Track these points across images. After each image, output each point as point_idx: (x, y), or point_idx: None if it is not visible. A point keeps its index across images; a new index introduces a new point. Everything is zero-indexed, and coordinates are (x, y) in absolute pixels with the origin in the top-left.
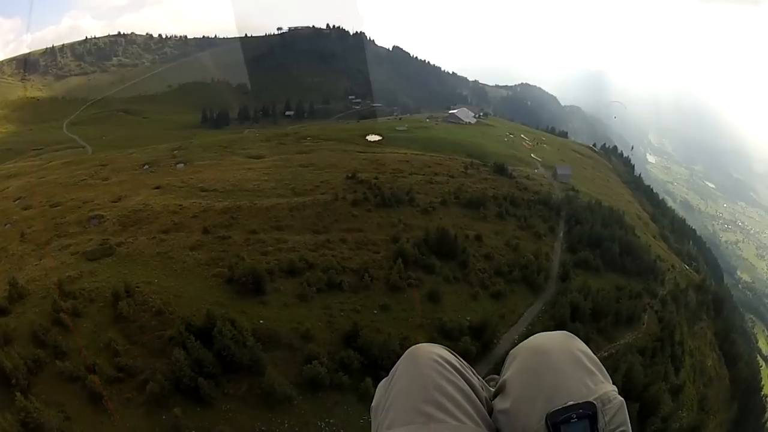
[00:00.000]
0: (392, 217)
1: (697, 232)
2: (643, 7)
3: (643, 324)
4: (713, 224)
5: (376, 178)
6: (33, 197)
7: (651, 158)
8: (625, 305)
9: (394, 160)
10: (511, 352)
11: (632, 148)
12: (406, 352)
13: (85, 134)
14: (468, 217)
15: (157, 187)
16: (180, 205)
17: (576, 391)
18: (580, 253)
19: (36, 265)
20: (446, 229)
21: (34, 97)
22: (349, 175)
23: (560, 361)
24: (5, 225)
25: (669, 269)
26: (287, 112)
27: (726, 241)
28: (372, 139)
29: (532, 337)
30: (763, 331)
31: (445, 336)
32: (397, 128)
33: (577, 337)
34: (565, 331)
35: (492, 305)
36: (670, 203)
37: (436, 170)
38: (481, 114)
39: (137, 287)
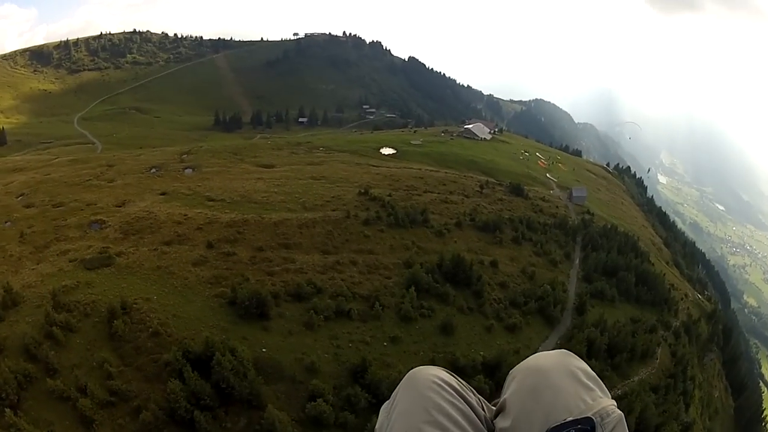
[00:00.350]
0: (405, 239)
1: (707, 256)
2: (658, 28)
3: (657, 359)
4: (722, 247)
5: (390, 196)
6: (36, 195)
7: (662, 179)
8: (640, 340)
9: (409, 176)
10: (510, 372)
11: (648, 170)
12: (407, 375)
13: (95, 130)
14: (483, 240)
15: (163, 193)
16: (185, 215)
17: (574, 407)
18: (596, 282)
19: (33, 269)
20: (461, 255)
21: (46, 90)
22: (362, 190)
23: (558, 378)
24: (5, 223)
25: (682, 298)
26: (300, 119)
27: (734, 265)
28: (386, 153)
29: (530, 356)
30: None
31: (459, 373)
32: (411, 142)
33: (574, 355)
34: (562, 350)
35: (506, 339)
36: (679, 225)
37: (450, 188)
38: (496, 129)
39: (135, 304)
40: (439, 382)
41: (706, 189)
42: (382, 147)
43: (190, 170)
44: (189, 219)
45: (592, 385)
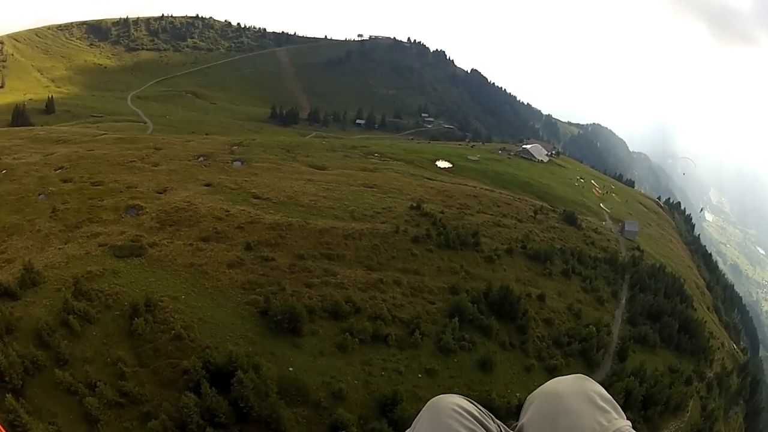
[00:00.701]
0: (454, 262)
1: (743, 300)
2: (717, 62)
3: (688, 412)
4: (758, 292)
5: (442, 213)
6: (75, 170)
7: (709, 216)
8: (675, 392)
9: (463, 194)
10: (528, 398)
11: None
12: (428, 403)
13: (148, 110)
14: (533, 271)
15: (208, 185)
16: (227, 211)
17: (590, 430)
18: (640, 327)
19: (59, 249)
20: (510, 287)
21: (101, 64)
22: (414, 204)
23: (574, 403)
24: (39, 195)
25: (719, 348)
26: (357, 121)
27: (767, 311)
28: (442, 166)
29: (547, 382)
30: None
31: (493, 414)
32: (468, 157)
33: (589, 378)
34: (578, 374)
35: (545, 380)
36: (720, 264)
37: (504, 210)
38: (554, 152)
39: (160, 301)
40: (459, 410)
41: (750, 231)
42: (438, 159)
43: (239, 163)
44: (230, 216)
45: (607, 407)
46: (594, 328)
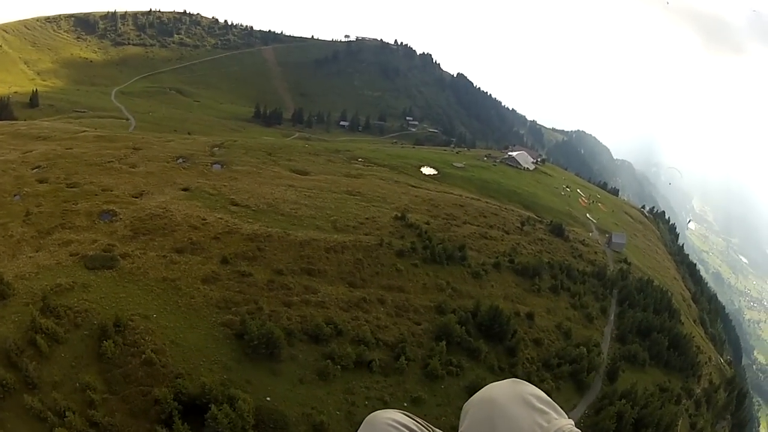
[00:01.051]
0: (440, 278)
1: (726, 308)
2: (706, 72)
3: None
4: (740, 300)
5: (428, 224)
6: (52, 170)
7: (691, 225)
8: (666, 412)
9: (449, 203)
10: (464, 406)
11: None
12: (364, 420)
13: (132, 106)
14: (521, 287)
15: (185, 189)
16: (203, 219)
17: None
18: (629, 345)
19: (30, 257)
20: (499, 307)
21: (87, 58)
22: (399, 214)
23: (511, 407)
24: (14, 196)
25: (706, 362)
26: (342, 122)
27: (749, 319)
28: (427, 173)
29: (482, 389)
30: None
31: None
32: (454, 164)
33: (524, 381)
34: (512, 378)
35: None
36: (702, 273)
37: (491, 221)
38: (539, 159)
39: (130, 320)
40: (395, 425)
41: (732, 239)
42: (424, 166)
43: (219, 166)
44: (207, 225)
45: (546, 408)
46: (584, 349)
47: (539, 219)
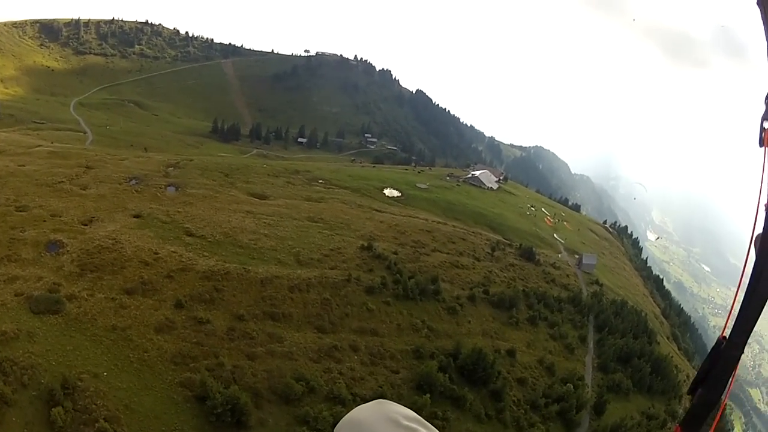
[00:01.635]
0: (414, 316)
1: (691, 318)
2: (665, 85)
3: None
4: (704, 307)
5: (396, 254)
6: (3, 190)
7: (651, 236)
8: None
9: (415, 229)
10: (334, 429)
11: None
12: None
13: (90, 118)
14: (498, 320)
15: (137, 216)
16: (155, 253)
17: None
18: (612, 374)
19: None
20: (481, 350)
21: (49, 67)
22: (365, 244)
23: (377, 427)
24: None
25: (685, 380)
26: (300, 138)
27: (714, 326)
28: (390, 195)
29: (349, 413)
30: (740, 417)
31: None
32: (417, 184)
33: (389, 401)
34: (377, 399)
35: None
36: (665, 283)
37: (460, 248)
38: (502, 177)
39: (80, 380)
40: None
41: (693, 249)
42: (387, 187)
43: (173, 189)
44: (159, 260)
45: (414, 425)
46: (570, 386)
47: (508, 242)
